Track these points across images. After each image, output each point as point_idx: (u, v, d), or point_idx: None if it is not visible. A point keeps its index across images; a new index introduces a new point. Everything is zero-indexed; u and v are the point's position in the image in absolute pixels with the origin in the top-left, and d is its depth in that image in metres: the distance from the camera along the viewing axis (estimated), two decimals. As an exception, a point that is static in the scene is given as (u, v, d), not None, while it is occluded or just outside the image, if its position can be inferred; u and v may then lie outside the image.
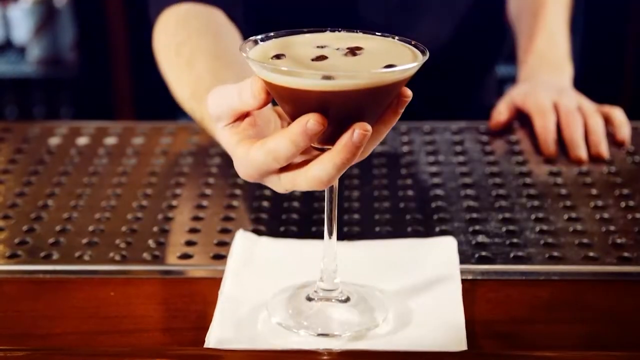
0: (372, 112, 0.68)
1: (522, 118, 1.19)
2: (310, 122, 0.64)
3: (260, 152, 0.67)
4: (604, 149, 1.10)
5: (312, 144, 0.68)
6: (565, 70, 1.26)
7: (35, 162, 1.11)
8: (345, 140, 0.65)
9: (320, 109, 0.65)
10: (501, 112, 1.19)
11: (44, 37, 2.58)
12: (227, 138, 0.70)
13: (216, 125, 0.73)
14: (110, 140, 1.17)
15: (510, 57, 1.40)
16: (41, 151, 1.14)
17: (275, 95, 0.68)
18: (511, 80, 1.38)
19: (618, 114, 1.16)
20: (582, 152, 1.10)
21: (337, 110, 0.66)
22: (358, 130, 0.65)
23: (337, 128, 0.66)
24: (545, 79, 1.24)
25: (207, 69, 0.96)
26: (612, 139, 1.14)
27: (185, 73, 0.99)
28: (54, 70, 2.60)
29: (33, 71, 2.60)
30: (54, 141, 1.17)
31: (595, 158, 1.10)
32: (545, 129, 1.13)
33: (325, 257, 0.76)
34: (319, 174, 0.66)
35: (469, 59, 1.38)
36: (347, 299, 0.77)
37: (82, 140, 1.17)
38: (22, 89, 2.65)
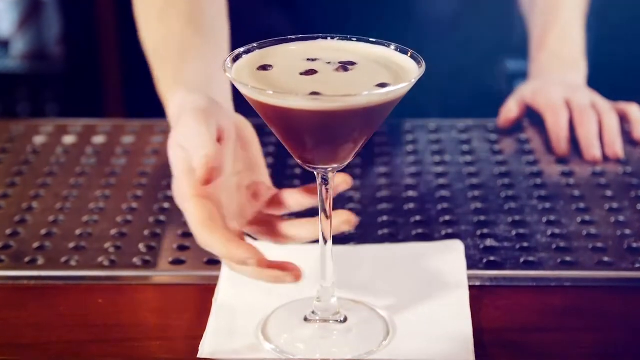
0: (363, 132, 0.67)
1: (532, 115, 1.19)
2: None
3: (207, 235, 0.74)
4: (619, 147, 1.11)
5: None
6: (579, 68, 1.26)
7: (19, 162, 1.11)
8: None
9: (308, 127, 0.65)
10: (511, 109, 1.20)
11: (29, 30, 2.58)
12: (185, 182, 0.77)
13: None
14: (99, 139, 1.17)
15: (521, 52, 1.40)
16: (26, 150, 1.15)
17: (262, 114, 0.68)
18: (522, 75, 1.38)
19: (635, 111, 1.16)
20: (596, 151, 1.10)
21: (324, 129, 0.65)
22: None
23: (325, 147, 0.66)
24: (558, 76, 1.24)
25: (177, 31, 0.98)
26: (628, 138, 1.14)
27: (154, 23, 1.01)
28: (39, 65, 2.60)
29: (17, 66, 2.60)
30: (39, 140, 1.17)
31: (610, 157, 1.10)
32: (558, 126, 1.13)
33: (322, 276, 0.76)
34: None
35: (477, 53, 1.38)
36: (345, 320, 0.76)
37: (69, 139, 1.17)
38: (5, 85, 2.65)
